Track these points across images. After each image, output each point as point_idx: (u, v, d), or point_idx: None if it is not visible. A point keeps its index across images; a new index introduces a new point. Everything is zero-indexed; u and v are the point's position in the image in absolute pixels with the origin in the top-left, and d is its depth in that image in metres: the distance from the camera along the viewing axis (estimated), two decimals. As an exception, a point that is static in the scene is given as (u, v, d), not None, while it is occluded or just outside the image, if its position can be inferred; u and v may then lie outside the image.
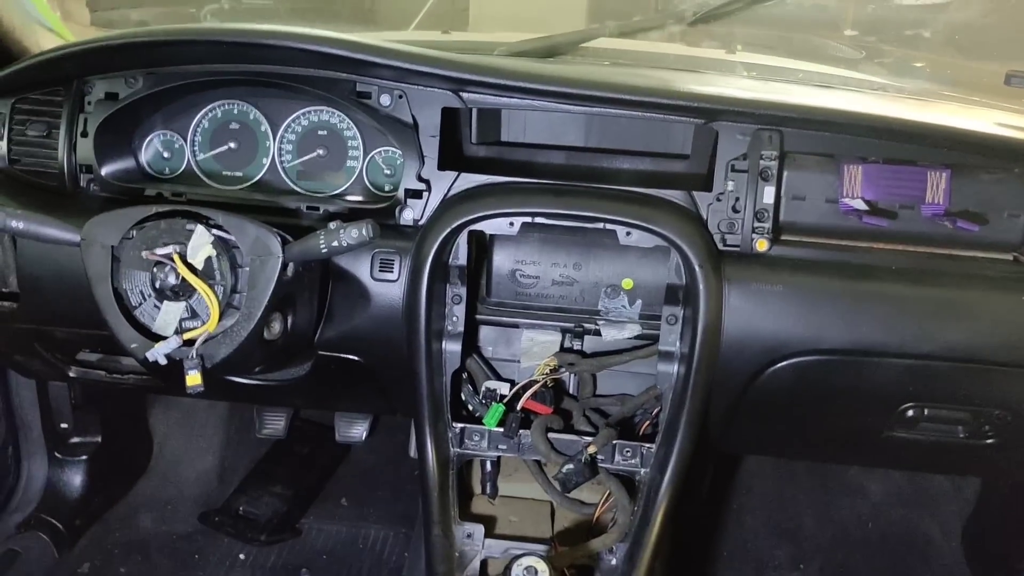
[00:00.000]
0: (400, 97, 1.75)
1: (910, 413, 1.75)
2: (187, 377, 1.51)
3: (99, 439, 2.55)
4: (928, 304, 1.66)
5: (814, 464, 2.85)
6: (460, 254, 1.74)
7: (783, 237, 1.73)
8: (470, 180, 1.75)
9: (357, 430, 2.62)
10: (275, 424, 2.66)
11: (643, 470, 1.75)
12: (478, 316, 1.85)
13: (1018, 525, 2.36)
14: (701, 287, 1.64)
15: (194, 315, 1.53)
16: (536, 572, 1.41)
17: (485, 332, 1.91)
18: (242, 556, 2.53)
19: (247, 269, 1.53)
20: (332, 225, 1.52)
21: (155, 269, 1.51)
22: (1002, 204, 1.70)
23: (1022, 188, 1.69)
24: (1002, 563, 2.42)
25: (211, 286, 1.52)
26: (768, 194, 1.70)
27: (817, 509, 2.76)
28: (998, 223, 1.70)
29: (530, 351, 1.87)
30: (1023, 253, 1.71)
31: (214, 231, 1.53)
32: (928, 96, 2.08)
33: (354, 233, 1.50)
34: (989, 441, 1.77)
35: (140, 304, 1.54)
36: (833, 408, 1.79)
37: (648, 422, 1.81)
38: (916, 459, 2.00)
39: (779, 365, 1.68)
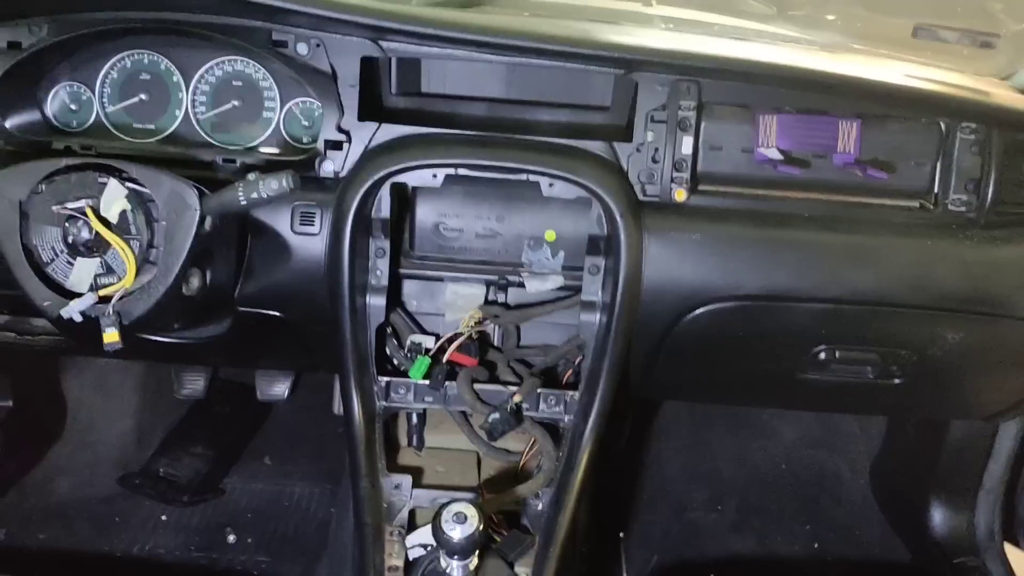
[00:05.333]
0: (318, 46, 1.71)
1: (822, 356, 1.81)
2: (104, 335, 1.47)
3: (10, 403, 2.46)
4: (839, 250, 1.72)
5: (729, 409, 2.93)
6: (383, 207, 1.72)
7: (701, 187, 1.75)
8: (391, 131, 1.73)
9: (279, 388, 2.60)
10: (194, 384, 2.62)
11: (567, 417, 1.77)
12: (402, 270, 1.84)
13: (921, 461, 2.46)
14: (622, 237, 1.66)
15: (109, 271, 1.49)
16: (466, 518, 1.42)
17: (409, 286, 1.90)
18: (164, 517, 2.49)
19: (163, 223, 1.49)
20: (251, 176, 1.49)
21: (67, 224, 1.47)
22: (909, 153, 1.76)
23: (928, 137, 1.76)
24: (907, 497, 2.53)
25: (126, 241, 1.48)
26: (686, 144, 1.72)
27: (732, 452, 2.84)
28: (905, 171, 1.77)
29: (454, 304, 1.87)
30: (929, 200, 1.78)
31: (128, 184, 1.48)
32: (839, 49, 2.12)
33: (274, 184, 1.47)
34: (896, 381, 1.85)
35: (52, 260, 1.50)
36: (749, 352, 1.84)
37: (571, 371, 1.83)
38: (828, 400, 2.07)
39: (697, 312, 1.72)
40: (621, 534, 2.51)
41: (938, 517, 2.43)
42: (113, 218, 1.47)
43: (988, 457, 2.33)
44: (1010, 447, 2.30)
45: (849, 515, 2.67)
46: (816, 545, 2.59)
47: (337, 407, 1.83)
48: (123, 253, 1.47)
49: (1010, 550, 2.37)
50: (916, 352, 1.80)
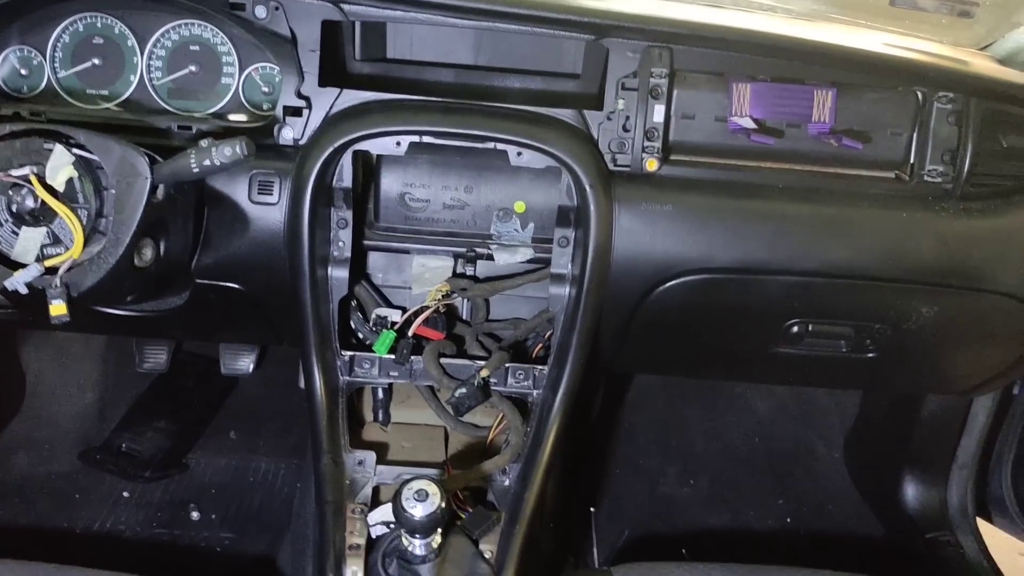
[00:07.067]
0: (277, 9, 1.65)
1: (795, 329, 1.79)
2: (51, 307, 1.41)
3: None
4: (812, 222, 1.69)
5: (702, 383, 2.92)
6: (345, 175, 1.67)
7: (672, 157, 1.72)
8: (354, 97, 1.68)
9: (244, 362, 2.55)
10: (156, 358, 2.56)
11: (535, 392, 1.75)
12: (366, 242, 1.79)
13: (895, 435, 2.46)
14: (592, 208, 1.62)
15: (57, 241, 1.43)
16: (427, 495, 1.38)
17: (374, 258, 1.86)
18: (126, 494, 2.45)
19: (113, 192, 1.44)
20: (204, 143, 1.44)
21: (11, 192, 1.41)
22: (885, 123, 1.73)
23: (905, 107, 1.73)
24: (880, 472, 2.53)
25: (74, 210, 1.42)
26: (658, 113, 1.68)
27: (705, 426, 2.83)
28: (881, 141, 1.73)
29: (421, 277, 1.83)
30: (904, 171, 1.75)
31: (75, 151, 1.42)
32: (816, 17, 2.08)
33: (227, 151, 1.42)
34: (870, 355, 1.83)
35: None
36: (721, 326, 1.82)
37: (541, 345, 1.81)
38: (801, 374, 2.06)
39: (668, 284, 1.69)
40: (592, 509, 2.49)
41: (911, 492, 2.44)
42: (60, 186, 1.42)
43: (962, 432, 2.33)
44: (983, 422, 2.30)
45: (822, 490, 2.67)
46: (789, 520, 2.59)
47: (302, 381, 1.78)
48: (70, 223, 1.41)
49: (982, 525, 2.38)
50: (890, 326, 1.78)
